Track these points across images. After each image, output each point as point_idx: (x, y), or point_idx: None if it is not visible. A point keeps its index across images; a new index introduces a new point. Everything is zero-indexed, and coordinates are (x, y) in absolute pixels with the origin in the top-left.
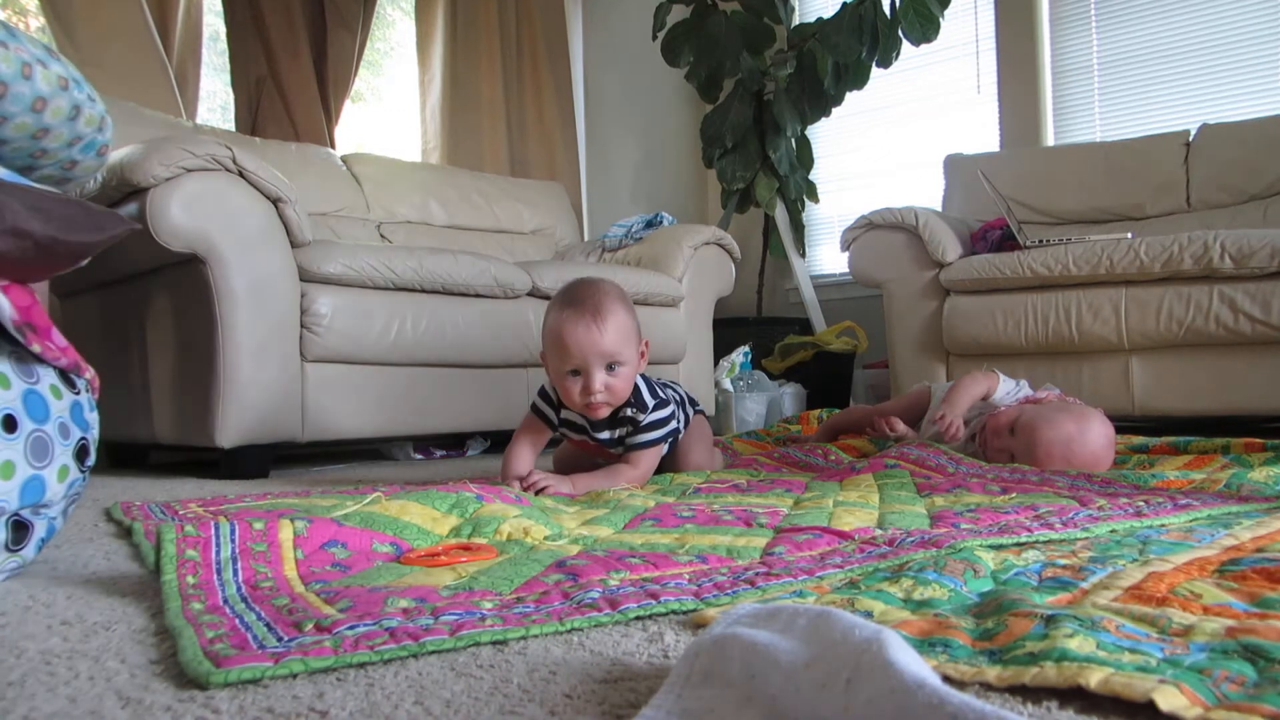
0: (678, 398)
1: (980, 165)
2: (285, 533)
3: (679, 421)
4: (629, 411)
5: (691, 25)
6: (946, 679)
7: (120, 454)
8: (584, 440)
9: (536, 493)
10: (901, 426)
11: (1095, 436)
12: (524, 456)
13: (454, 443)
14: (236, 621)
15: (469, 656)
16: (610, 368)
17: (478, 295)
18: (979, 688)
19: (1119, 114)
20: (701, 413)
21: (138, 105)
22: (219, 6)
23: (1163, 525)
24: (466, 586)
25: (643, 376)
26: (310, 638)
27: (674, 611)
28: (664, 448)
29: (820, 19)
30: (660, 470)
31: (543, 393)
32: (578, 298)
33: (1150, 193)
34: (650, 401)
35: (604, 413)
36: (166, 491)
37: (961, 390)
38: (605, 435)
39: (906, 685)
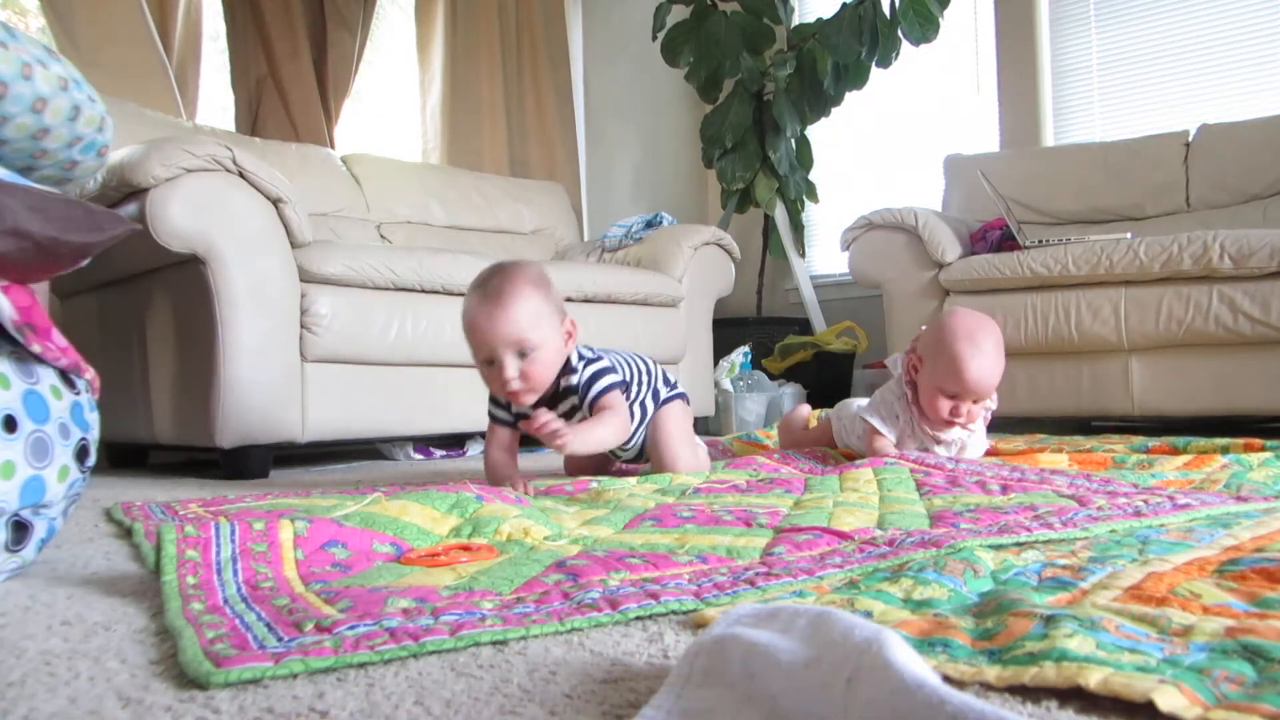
0: (643, 367)
1: (980, 165)
2: (285, 533)
3: (624, 374)
4: (563, 382)
5: (691, 25)
6: (946, 679)
7: (120, 454)
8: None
9: (548, 435)
10: None
11: (965, 331)
12: (504, 465)
13: (454, 443)
14: (237, 622)
15: (469, 656)
16: (523, 354)
17: None
18: (979, 688)
19: (1119, 114)
20: (681, 397)
21: (138, 105)
22: (219, 6)
23: (1162, 525)
24: (466, 586)
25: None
26: (310, 638)
27: (674, 611)
28: (622, 392)
29: (820, 19)
30: (639, 459)
31: (491, 396)
32: (484, 283)
33: (1150, 193)
34: (578, 364)
35: (529, 399)
36: (166, 491)
37: (880, 450)
38: (556, 411)
39: (906, 685)
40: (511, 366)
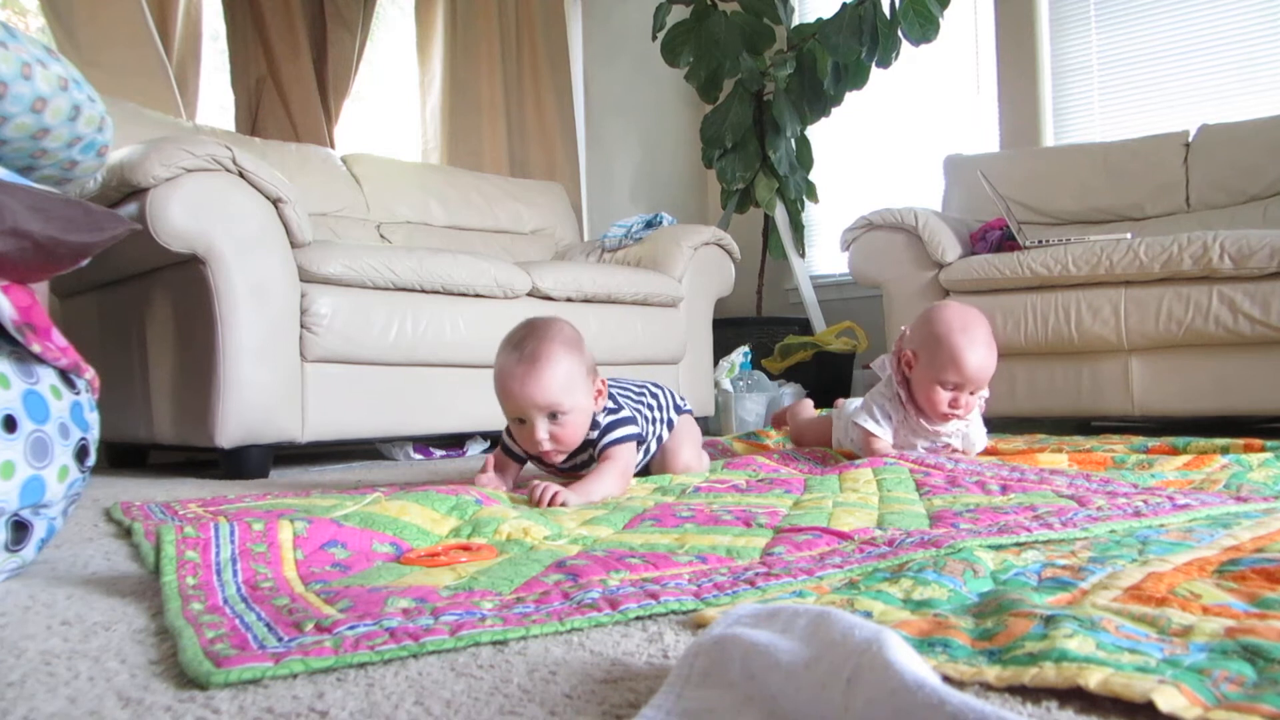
0: (656, 403)
1: (980, 165)
2: (285, 533)
3: (642, 428)
4: (586, 435)
5: (691, 25)
6: (946, 679)
7: (120, 454)
8: (554, 468)
9: (549, 504)
10: None
11: (959, 324)
12: (502, 482)
13: (454, 443)
14: (237, 622)
15: (469, 656)
16: (554, 416)
17: (477, 295)
18: (978, 688)
19: (1119, 114)
20: (689, 413)
21: (138, 105)
22: (219, 6)
23: (1162, 525)
24: (466, 586)
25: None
26: (310, 638)
27: (674, 611)
28: (635, 445)
29: (820, 19)
30: (650, 472)
31: (509, 430)
32: (519, 345)
33: (1150, 193)
34: (602, 419)
35: (558, 459)
36: (166, 491)
37: (877, 452)
38: (570, 464)
39: (906, 685)
40: (542, 429)
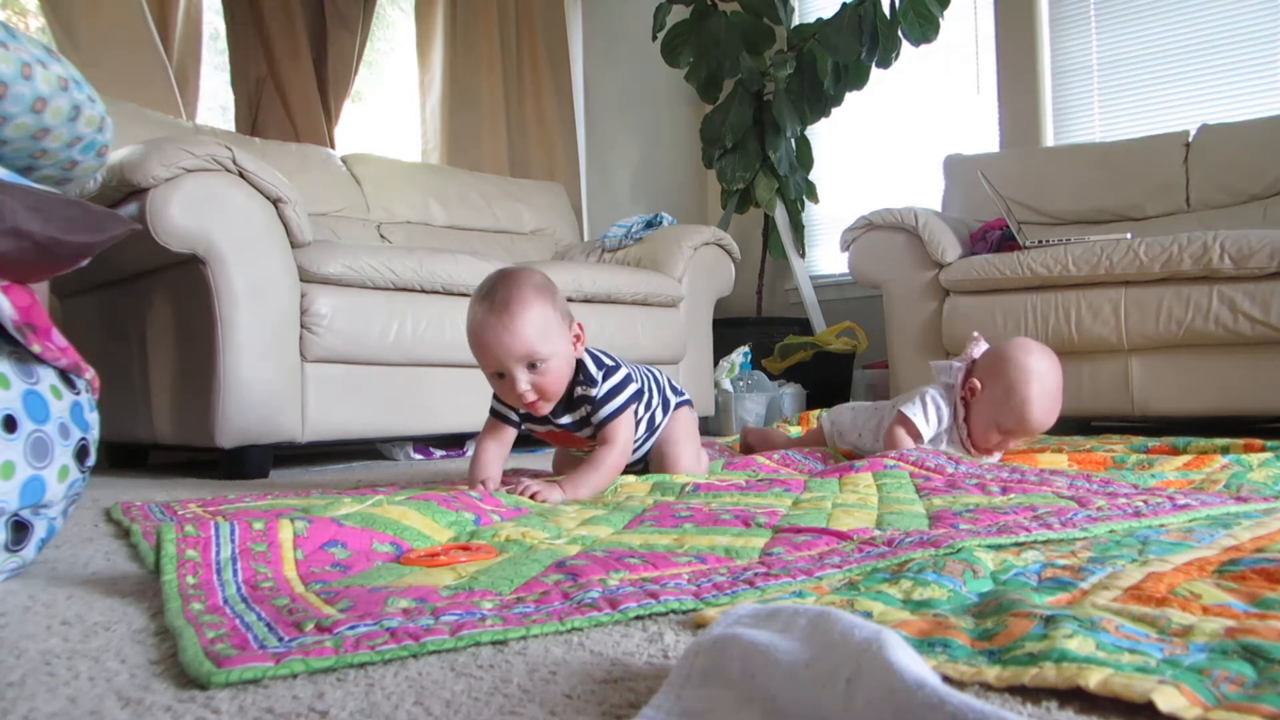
0: (652, 377)
1: (980, 165)
2: (285, 533)
3: (642, 385)
4: (579, 390)
5: (691, 25)
6: (946, 679)
7: (120, 454)
8: (550, 431)
9: (530, 498)
10: None
11: (1039, 374)
12: (491, 462)
13: (454, 443)
14: (237, 622)
15: (469, 656)
16: (533, 366)
17: None
18: (978, 688)
19: (1119, 114)
20: (687, 404)
21: (138, 105)
22: (219, 6)
23: (1162, 525)
24: (466, 586)
25: (587, 351)
26: (311, 638)
27: (674, 611)
28: (634, 414)
29: (820, 19)
30: (648, 470)
31: (496, 396)
32: (489, 294)
33: (1150, 193)
34: (598, 374)
35: (545, 408)
36: (166, 491)
37: (898, 442)
38: (567, 420)
39: (906, 685)
40: (523, 381)
